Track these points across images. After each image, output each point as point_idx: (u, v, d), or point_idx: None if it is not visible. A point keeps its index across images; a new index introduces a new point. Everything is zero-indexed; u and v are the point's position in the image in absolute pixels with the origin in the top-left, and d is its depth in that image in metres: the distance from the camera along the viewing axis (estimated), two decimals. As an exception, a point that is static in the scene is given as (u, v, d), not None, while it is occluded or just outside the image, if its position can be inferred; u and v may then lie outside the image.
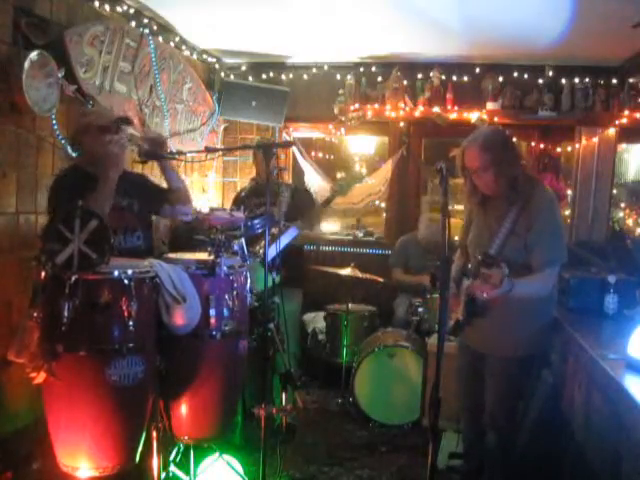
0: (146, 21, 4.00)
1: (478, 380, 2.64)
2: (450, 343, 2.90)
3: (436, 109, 4.87)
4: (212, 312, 2.32)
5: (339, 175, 6.35)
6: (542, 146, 5.02)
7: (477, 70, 4.93)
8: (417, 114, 4.92)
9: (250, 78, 5.26)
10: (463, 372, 2.75)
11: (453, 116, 4.86)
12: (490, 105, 4.84)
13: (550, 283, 2.40)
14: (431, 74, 4.93)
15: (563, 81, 4.80)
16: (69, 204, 2.05)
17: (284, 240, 3.32)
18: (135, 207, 2.62)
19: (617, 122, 4.64)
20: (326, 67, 5.20)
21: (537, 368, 2.65)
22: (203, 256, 2.43)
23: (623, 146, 5.39)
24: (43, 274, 2.08)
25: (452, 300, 2.50)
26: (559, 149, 5.04)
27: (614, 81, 4.70)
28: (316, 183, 5.32)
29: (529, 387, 2.66)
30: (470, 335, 2.56)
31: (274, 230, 3.20)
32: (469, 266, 2.54)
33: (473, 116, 4.82)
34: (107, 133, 2.48)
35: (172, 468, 2.46)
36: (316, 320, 4.72)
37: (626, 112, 4.57)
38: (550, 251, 2.37)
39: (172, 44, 4.41)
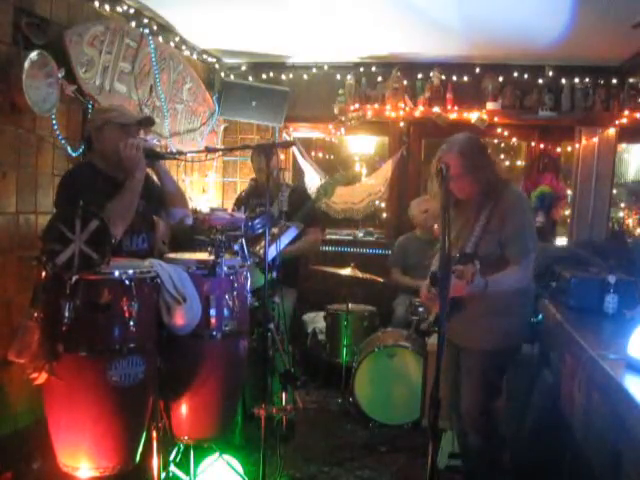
0: (146, 21, 4.00)
1: (459, 376, 2.65)
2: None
3: (436, 109, 4.87)
4: (212, 312, 2.32)
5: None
6: (542, 146, 5.02)
7: (477, 70, 4.94)
8: (417, 114, 4.93)
9: (250, 78, 5.26)
10: (446, 368, 2.75)
11: (453, 116, 4.86)
12: (490, 105, 4.84)
13: (527, 274, 2.49)
14: (431, 74, 4.93)
15: (563, 81, 4.81)
16: (80, 200, 2.05)
17: (284, 240, 3.32)
18: (140, 208, 2.60)
19: (617, 122, 4.64)
20: (326, 67, 5.20)
21: (510, 364, 2.68)
22: (203, 256, 2.43)
23: (623, 146, 5.40)
24: (44, 274, 2.08)
25: (428, 296, 2.61)
26: (559, 149, 5.04)
27: (614, 81, 4.71)
28: (316, 183, 5.32)
29: (503, 384, 2.68)
30: (450, 328, 2.58)
31: (274, 230, 3.20)
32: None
33: (473, 116, 4.82)
34: (129, 135, 2.47)
35: (172, 468, 2.46)
36: (316, 320, 4.72)
37: (626, 112, 4.57)
38: (522, 244, 2.47)
39: (172, 44, 4.41)
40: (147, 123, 2.65)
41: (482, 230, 2.51)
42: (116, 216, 2.27)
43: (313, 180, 5.32)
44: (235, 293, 2.38)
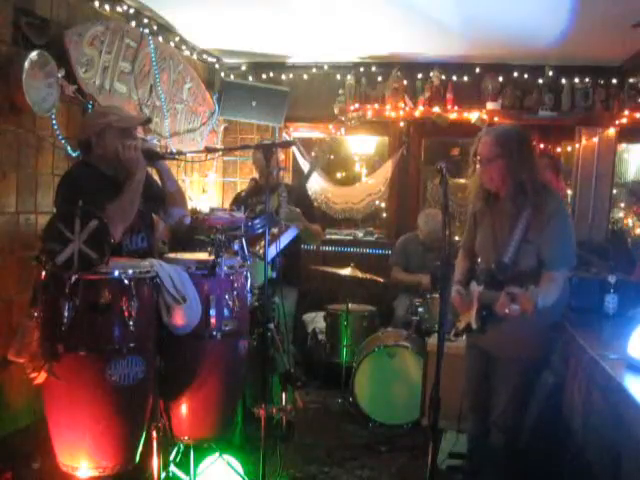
0: (146, 21, 4.01)
1: (486, 380, 2.63)
2: (450, 343, 2.90)
3: (436, 109, 4.87)
4: (212, 312, 2.31)
5: (339, 175, 6.35)
6: (542, 146, 5.02)
7: (477, 70, 4.94)
8: (417, 114, 4.93)
9: (250, 78, 5.27)
10: (472, 371, 2.73)
11: (453, 116, 4.86)
12: (490, 105, 4.84)
13: (560, 286, 2.38)
14: (431, 74, 4.94)
15: (563, 81, 4.81)
16: (80, 200, 2.05)
17: (284, 240, 3.32)
18: (140, 207, 2.60)
19: (617, 122, 4.64)
20: (326, 67, 5.21)
21: (542, 368, 2.66)
22: (203, 256, 2.43)
23: (623, 146, 5.40)
24: (43, 274, 2.08)
25: (460, 302, 2.50)
26: (559, 149, 5.04)
27: (614, 81, 4.71)
28: (316, 183, 5.33)
29: (535, 388, 2.66)
30: (483, 338, 2.54)
31: (274, 230, 3.20)
32: (478, 271, 2.53)
33: (473, 116, 4.82)
34: (129, 137, 2.45)
35: (172, 468, 2.46)
36: (316, 320, 4.72)
37: (626, 112, 4.57)
38: (560, 256, 2.37)
39: (172, 44, 4.41)
40: (148, 123, 2.65)
41: (520, 240, 2.37)
42: (117, 217, 2.26)
43: (313, 180, 5.32)
44: (235, 293, 2.38)
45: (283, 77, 5.28)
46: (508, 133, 2.44)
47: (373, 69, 5.12)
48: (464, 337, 2.71)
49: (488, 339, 2.54)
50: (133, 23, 3.87)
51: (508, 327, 2.36)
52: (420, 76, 5.02)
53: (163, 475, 2.32)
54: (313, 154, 4.30)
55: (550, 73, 4.81)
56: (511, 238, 2.39)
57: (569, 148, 5.00)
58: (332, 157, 6.35)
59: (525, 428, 2.72)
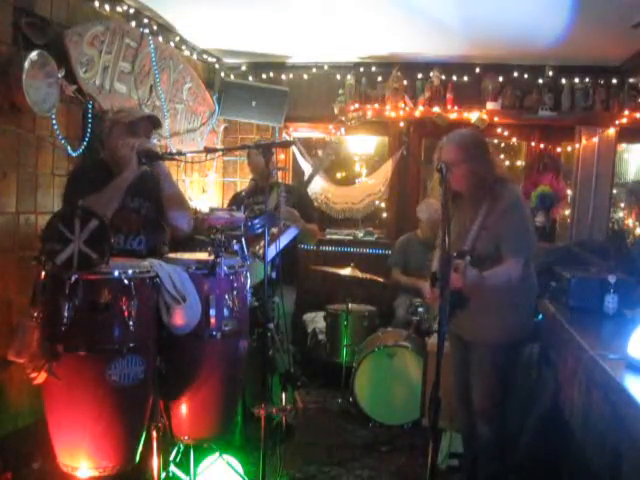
0: (146, 21, 4.01)
1: (468, 370, 2.68)
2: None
3: (436, 109, 4.87)
4: (212, 312, 2.31)
5: (339, 175, 6.35)
6: (542, 146, 5.02)
7: (477, 70, 4.94)
8: (417, 114, 4.93)
9: (250, 78, 5.27)
10: (454, 362, 2.80)
11: (453, 116, 4.86)
12: (490, 105, 4.84)
13: (515, 273, 2.50)
14: (431, 74, 4.94)
15: (563, 81, 4.81)
16: (82, 194, 2.08)
17: (284, 240, 3.32)
18: (143, 210, 2.59)
19: (617, 122, 4.64)
20: (326, 67, 5.21)
21: (512, 354, 2.72)
22: (203, 256, 2.43)
23: (623, 146, 5.39)
24: (43, 274, 2.08)
25: (433, 294, 2.61)
26: (559, 149, 5.04)
27: (614, 81, 4.71)
28: (316, 183, 5.32)
29: (513, 375, 2.74)
30: (457, 324, 2.64)
31: (274, 230, 3.20)
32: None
33: (473, 116, 4.82)
34: (134, 135, 2.48)
35: (172, 468, 2.46)
36: (316, 320, 4.72)
37: (626, 112, 4.57)
38: (515, 243, 2.53)
39: (172, 44, 4.41)
40: (154, 122, 2.66)
41: (479, 228, 2.56)
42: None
43: (313, 180, 5.31)
44: (235, 293, 2.38)
45: (283, 77, 5.28)
46: (466, 138, 2.66)
47: (373, 69, 5.12)
48: None
49: (463, 326, 2.66)
50: (133, 23, 3.87)
51: (474, 311, 2.49)
52: (420, 76, 5.02)
53: (163, 475, 2.31)
54: (320, 153, 4.28)
55: (550, 73, 4.81)
56: (472, 227, 2.59)
57: (569, 148, 5.00)
58: (333, 157, 6.35)
59: (527, 429, 2.73)
